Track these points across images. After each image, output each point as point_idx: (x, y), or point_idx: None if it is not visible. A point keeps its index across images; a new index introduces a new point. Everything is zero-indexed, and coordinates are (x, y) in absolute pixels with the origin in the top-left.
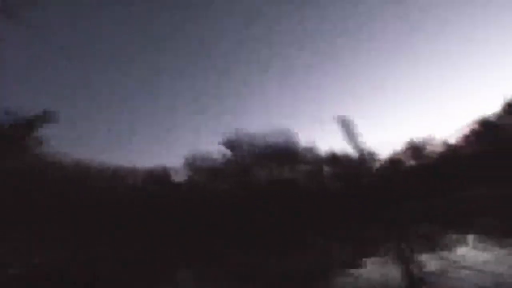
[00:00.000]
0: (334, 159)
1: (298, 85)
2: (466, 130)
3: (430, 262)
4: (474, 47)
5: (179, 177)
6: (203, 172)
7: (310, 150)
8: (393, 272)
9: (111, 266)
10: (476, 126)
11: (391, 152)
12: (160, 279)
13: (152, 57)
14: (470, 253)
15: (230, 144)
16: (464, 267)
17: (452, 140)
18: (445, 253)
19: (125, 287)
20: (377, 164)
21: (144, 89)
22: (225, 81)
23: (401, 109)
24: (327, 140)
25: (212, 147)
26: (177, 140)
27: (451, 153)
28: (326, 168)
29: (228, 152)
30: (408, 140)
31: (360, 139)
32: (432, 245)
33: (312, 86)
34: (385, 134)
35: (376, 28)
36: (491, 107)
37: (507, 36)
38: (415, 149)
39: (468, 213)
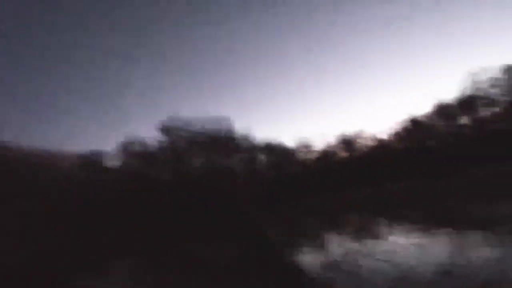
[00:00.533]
0: (269, 148)
1: (236, 74)
2: (397, 127)
3: (347, 250)
4: (409, 51)
5: (113, 163)
6: (138, 158)
7: (246, 138)
8: (316, 258)
9: (39, 257)
10: (407, 124)
11: (325, 144)
12: (91, 270)
13: (86, 40)
14: (387, 244)
15: (166, 130)
16: (376, 258)
17: (384, 136)
18: (364, 243)
19: (56, 278)
20: (311, 155)
21: (77, 72)
22: (164, 67)
23: (337, 104)
24: (263, 129)
25: (148, 132)
26: (112, 124)
27: (382, 147)
28: (261, 157)
29: (164, 138)
30: (341, 133)
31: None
32: (355, 235)
33: (250, 75)
34: (320, 127)
35: (315, 24)
36: (422, 108)
37: (440, 41)
38: (347, 143)
39: (395, 204)
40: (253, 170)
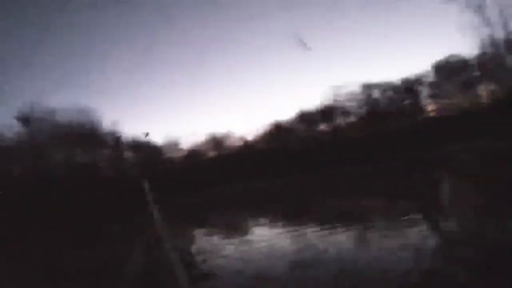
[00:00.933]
0: (136, 144)
1: (105, 64)
2: (263, 130)
3: (211, 248)
4: (277, 62)
5: None
6: None
7: (113, 134)
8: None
9: None
10: (272, 127)
11: (194, 143)
12: None
13: None
14: (251, 240)
15: (25, 119)
16: (238, 256)
17: (251, 137)
18: (228, 240)
19: None
20: (180, 154)
21: None
22: (24, 48)
23: (206, 104)
24: (131, 124)
25: (4, 121)
26: None
27: (249, 148)
28: (128, 154)
29: (22, 129)
30: (211, 133)
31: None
32: (221, 232)
33: (119, 67)
34: (189, 126)
35: (187, 21)
36: (286, 114)
37: (306, 54)
38: (216, 142)
39: (260, 201)
40: (119, 167)
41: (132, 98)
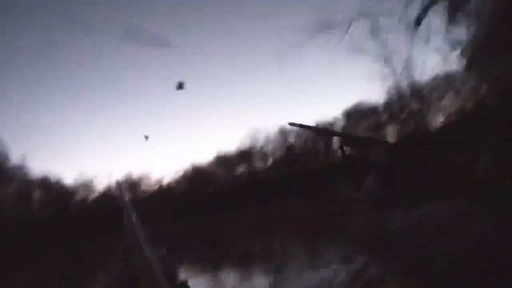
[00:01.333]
0: (45, 183)
1: (13, 92)
2: (180, 173)
3: None
4: (200, 104)
5: None
6: None
7: (21, 168)
8: None
9: None
10: (190, 170)
11: (108, 184)
12: None
13: None
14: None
15: None
16: None
17: (168, 180)
18: None
19: None
20: (92, 195)
21: None
22: None
23: (121, 144)
24: (40, 160)
25: None
26: None
27: (165, 191)
28: (36, 192)
29: None
30: (126, 174)
31: None
32: None
33: (29, 97)
34: (104, 166)
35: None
36: (205, 157)
37: (225, 99)
38: (131, 184)
39: (177, 244)
40: (25, 207)
41: (42, 133)
